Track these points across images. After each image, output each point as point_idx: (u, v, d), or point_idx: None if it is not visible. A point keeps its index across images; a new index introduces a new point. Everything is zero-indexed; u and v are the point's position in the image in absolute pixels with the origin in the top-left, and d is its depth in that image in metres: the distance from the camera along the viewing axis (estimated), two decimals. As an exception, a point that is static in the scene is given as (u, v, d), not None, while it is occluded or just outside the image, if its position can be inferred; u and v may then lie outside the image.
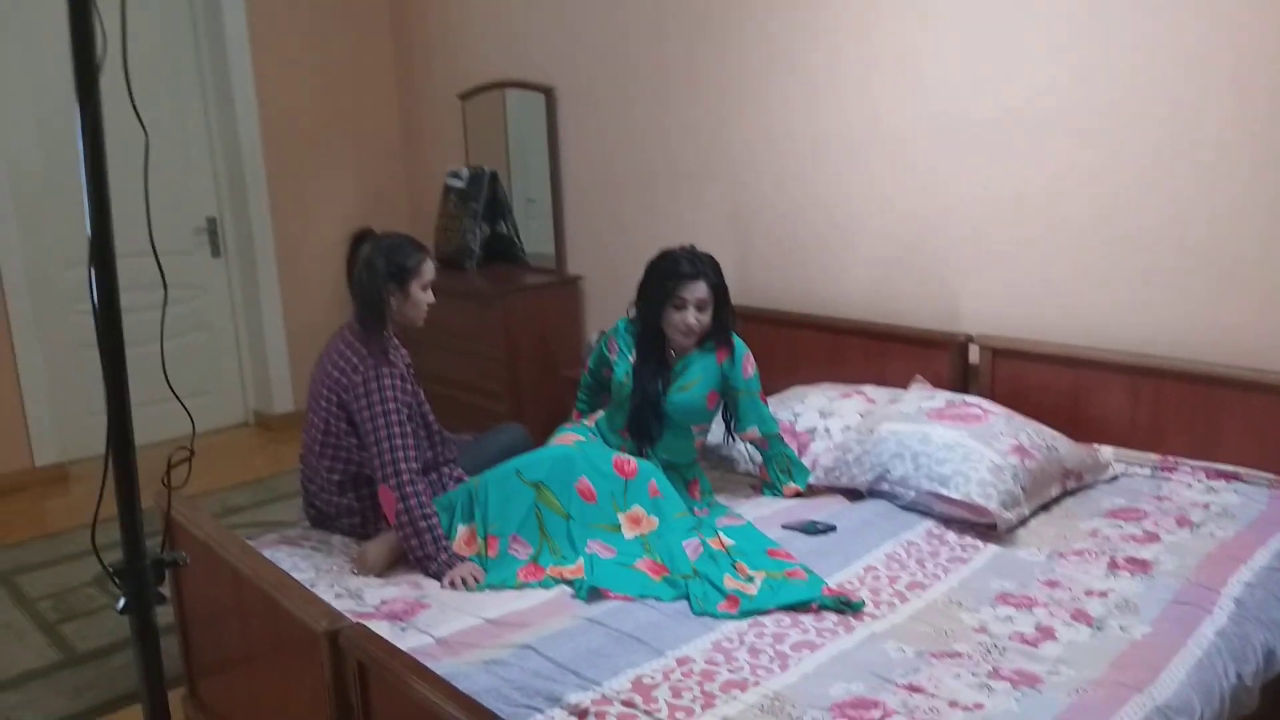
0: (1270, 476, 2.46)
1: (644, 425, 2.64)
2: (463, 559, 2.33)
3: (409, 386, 2.49)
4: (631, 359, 2.69)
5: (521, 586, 2.23)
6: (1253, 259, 2.51)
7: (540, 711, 1.71)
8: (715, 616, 2.04)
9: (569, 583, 2.22)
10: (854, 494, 2.65)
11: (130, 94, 1.29)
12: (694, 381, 2.65)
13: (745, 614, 2.04)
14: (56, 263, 4.38)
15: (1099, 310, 2.81)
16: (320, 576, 2.30)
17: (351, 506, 2.53)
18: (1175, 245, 2.64)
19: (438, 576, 2.28)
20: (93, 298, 1.32)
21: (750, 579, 2.15)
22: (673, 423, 2.66)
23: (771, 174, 3.55)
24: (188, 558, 1.54)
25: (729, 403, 2.71)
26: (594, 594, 2.14)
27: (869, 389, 3.04)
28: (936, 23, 3.01)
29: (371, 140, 5.18)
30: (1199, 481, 2.54)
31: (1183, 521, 2.35)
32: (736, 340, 2.68)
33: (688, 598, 2.11)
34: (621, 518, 2.41)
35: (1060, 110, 2.79)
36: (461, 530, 2.40)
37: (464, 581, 2.25)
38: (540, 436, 2.83)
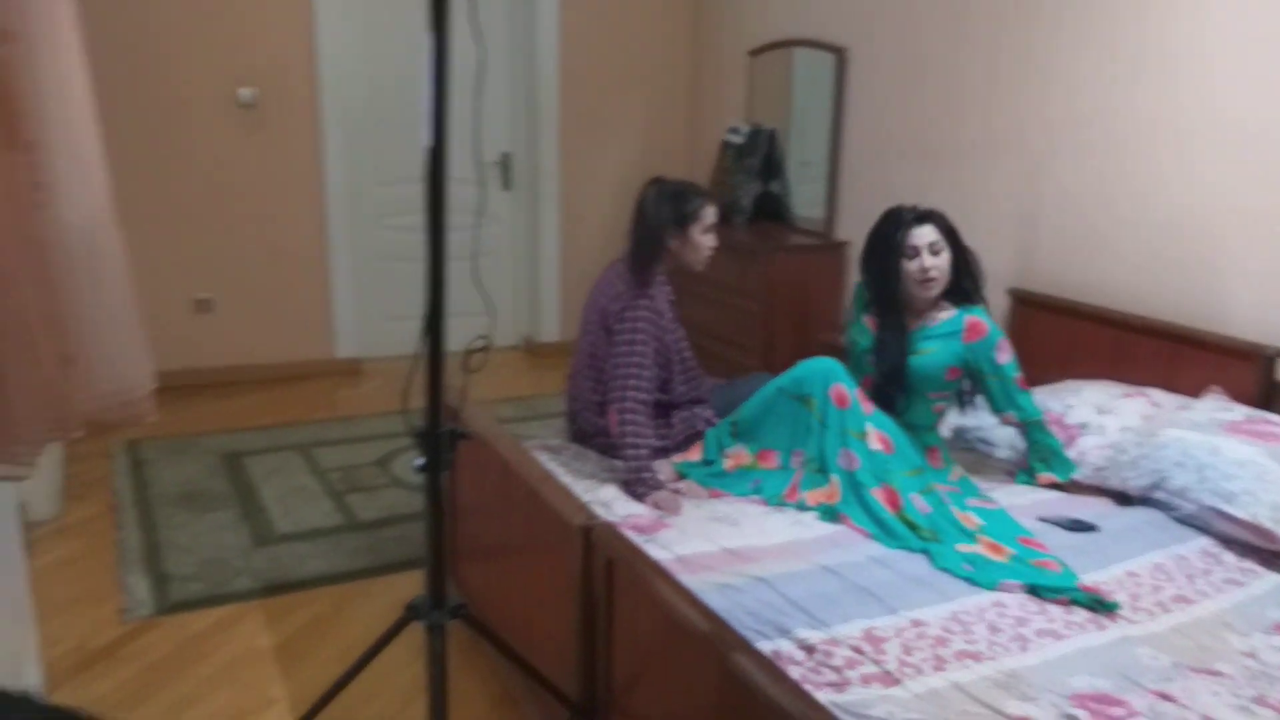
0: None
1: (888, 394, 2.59)
2: (669, 487, 2.41)
3: (664, 323, 2.60)
4: (866, 321, 2.66)
5: (782, 505, 2.37)
6: None
7: (769, 639, 1.76)
8: (956, 575, 2.03)
9: (816, 509, 2.34)
10: (1122, 498, 2.49)
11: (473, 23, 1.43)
12: (931, 349, 2.55)
13: (988, 580, 2.01)
14: (370, 181, 4.89)
15: None
16: (575, 483, 2.46)
17: (607, 429, 2.68)
18: None
19: (640, 498, 2.38)
20: (429, 186, 1.46)
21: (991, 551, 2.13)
22: (910, 388, 2.59)
23: (1071, 155, 3.34)
24: (476, 432, 1.72)
25: (977, 384, 2.60)
26: (835, 518, 2.29)
27: (1155, 392, 2.83)
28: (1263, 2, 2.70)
29: (660, 91, 5.36)
30: None
31: None
32: (991, 324, 2.55)
33: (926, 553, 2.12)
34: (868, 426, 2.43)
35: None
36: (731, 450, 2.53)
37: (663, 506, 2.33)
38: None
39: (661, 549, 2.13)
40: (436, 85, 1.49)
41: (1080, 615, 1.91)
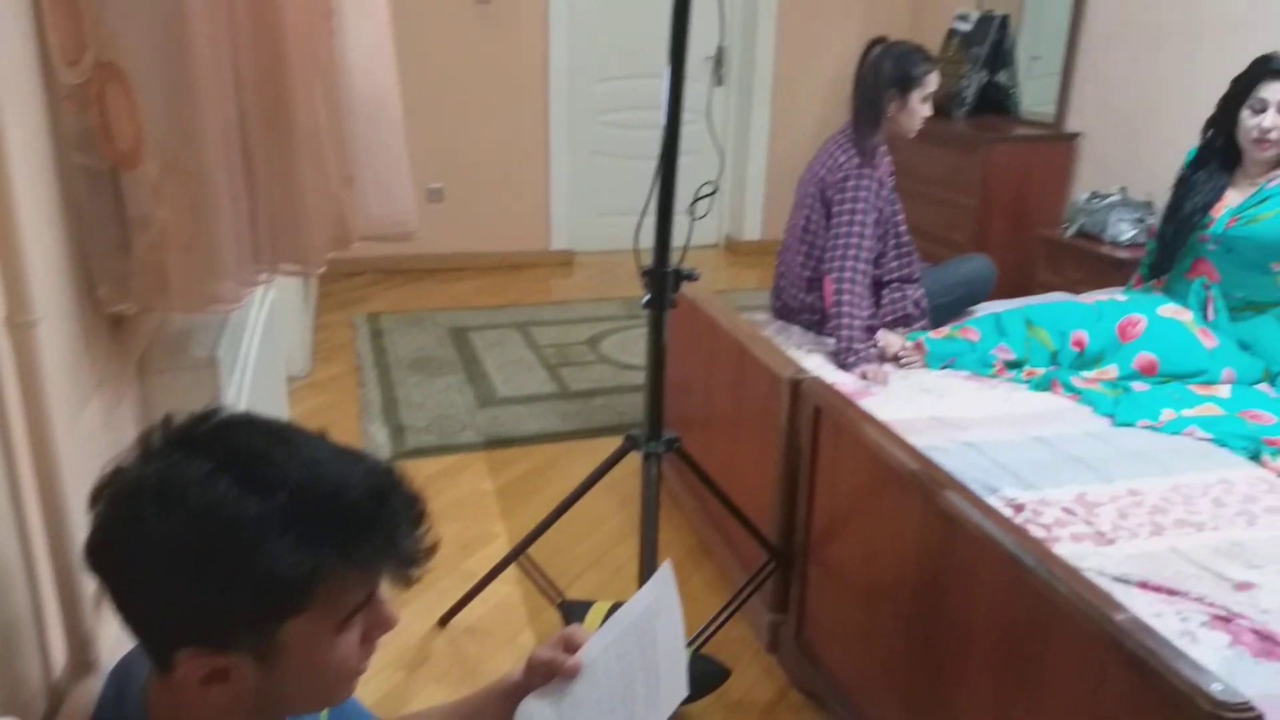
0: None
1: (1167, 249, 2.48)
2: (876, 360, 2.41)
3: (885, 194, 2.57)
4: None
5: (993, 376, 2.38)
6: None
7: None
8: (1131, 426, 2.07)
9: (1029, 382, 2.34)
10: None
11: None
12: (1272, 213, 2.32)
13: (1174, 428, 2.05)
14: (592, 77, 5.02)
15: None
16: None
17: (814, 305, 2.70)
18: None
19: (849, 369, 2.39)
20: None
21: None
22: (1245, 259, 2.38)
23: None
24: (699, 273, 1.80)
25: None
26: (1045, 384, 2.30)
27: None
28: None
29: (881, -21, 5.16)
30: None
31: None
32: None
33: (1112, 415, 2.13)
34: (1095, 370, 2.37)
35: None
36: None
37: (871, 377, 2.34)
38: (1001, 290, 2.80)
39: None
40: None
41: (1318, 500, 1.80)
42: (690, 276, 1.75)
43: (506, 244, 5.03)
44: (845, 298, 2.45)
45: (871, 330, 2.57)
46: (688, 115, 1.62)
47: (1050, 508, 1.73)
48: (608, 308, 4.36)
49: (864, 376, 2.37)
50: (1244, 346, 2.36)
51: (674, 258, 1.71)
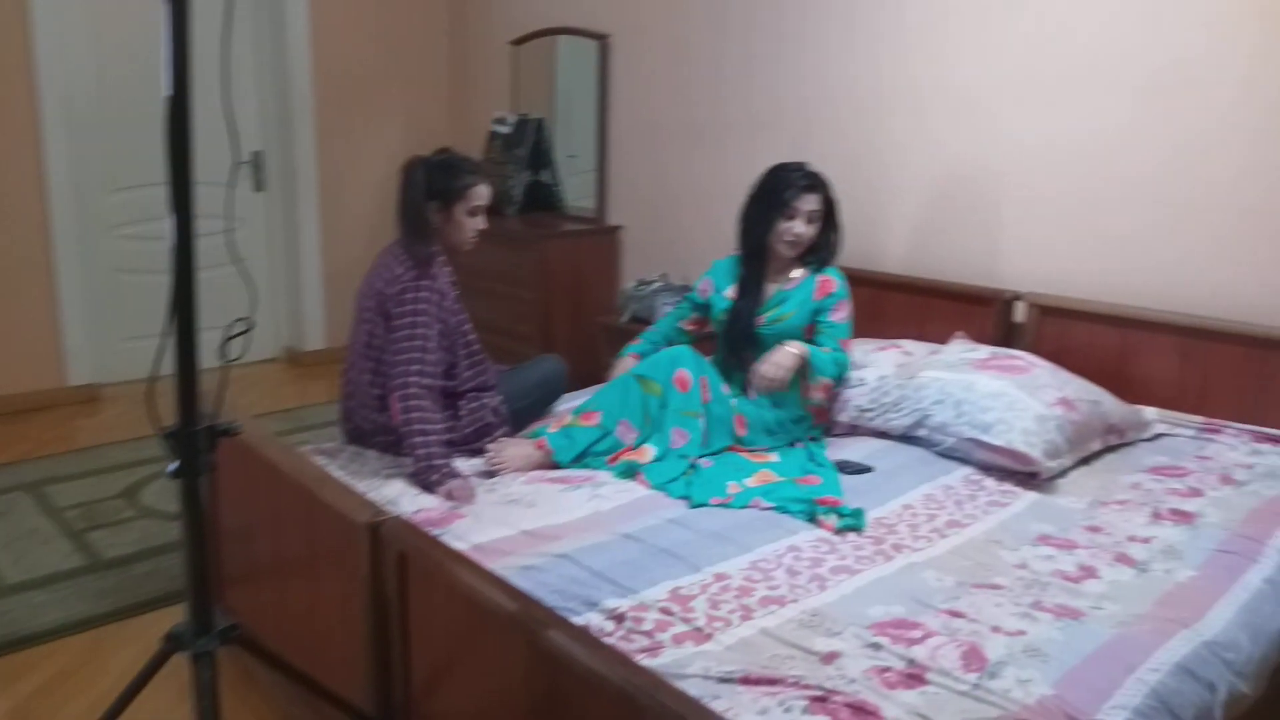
0: (1319, 441, 2.42)
1: (737, 353, 2.72)
2: (459, 475, 2.31)
3: (447, 304, 2.49)
4: (729, 293, 2.77)
5: (605, 468, 2.40)
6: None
7: (577, 615, 1.70)
8: (706, 504, 2.19)
9: (614, 468, 2.40)
10: (884, 439, 2.64)
11: None
12: (790, 314, 2.70)
13: (740, 502, 2.19)
14: (101, 188, 4.39)
15: (1150, 270, 2.77)
16: (355, 484, 2.29)
17: (388, 425, 2.52)
18: (1235, 207, 2.60)
19: (431, 489, 2.26)
20: (172, 190, 1.31)
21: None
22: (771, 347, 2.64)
23: (826, 127, 3.52)
24: (241, 426, 1.54)
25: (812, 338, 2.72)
26: (630, 473, 2.36)
27: (907, 343, 3.01)
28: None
29: (421, 82, 5.17)
30: (1244, 444, 2.50)
31: (1226, 480, 2.32)
32: (841, 283, 2.72)
33: (687, 498, 2.23)
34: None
35: (1125, 64, 2.75)
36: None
37: (457, 496, 2.22)
38: (576, 381, 2.86)
39: (456, 540, 2.01)
40: (176, 66, 1.32)
41: (868, 549, 1.98)
42: (229, 431, 1.48)
43: (9, 385, 4.18)
44: (415, 414, 2.30)
45: (452, 444, 2.44)
46: (228, 223, 1.39)
47: (649, 611, 1.71)
48: (147, 448, 3.76)
49: (450, 496, 2.23)
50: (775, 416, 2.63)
51: (210, 401, 1.44)
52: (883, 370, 2.82)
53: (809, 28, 3.49)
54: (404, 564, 1.70)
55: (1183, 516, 2.13)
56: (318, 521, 1.92)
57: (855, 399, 2.74)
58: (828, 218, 2.71)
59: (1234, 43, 2.55)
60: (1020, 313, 3.01)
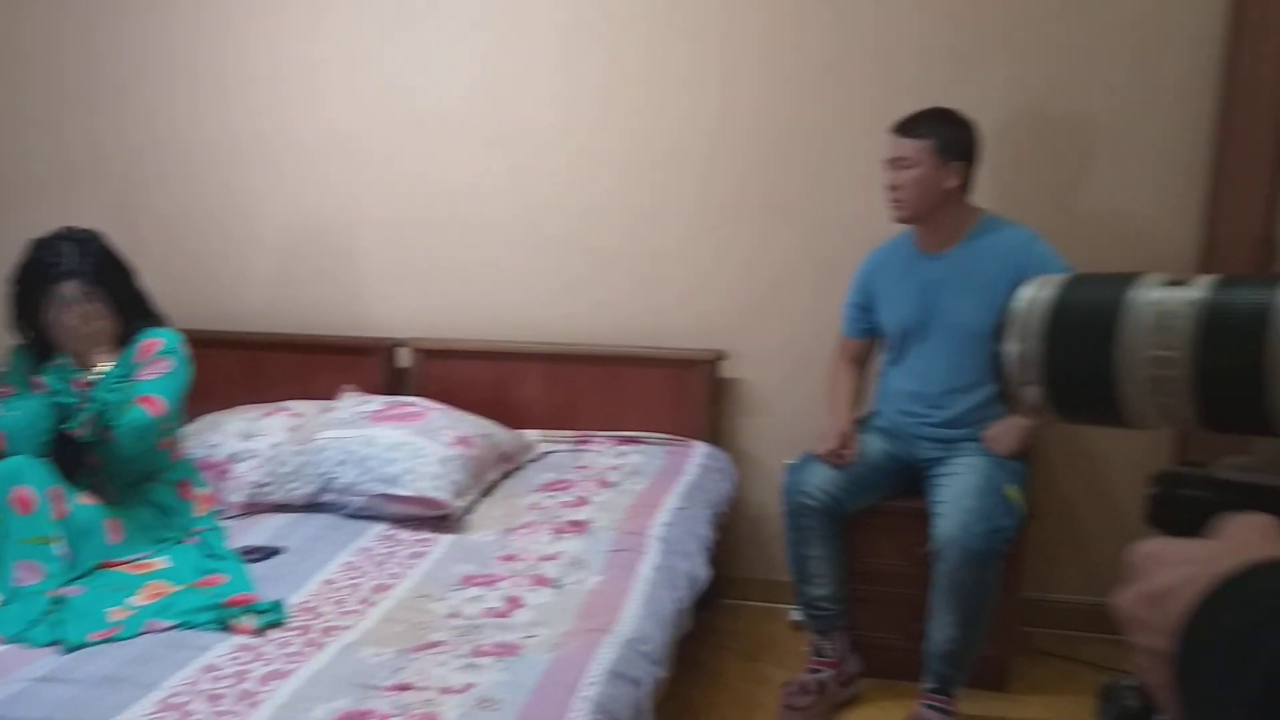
0: (663, 436, 2.86)
1: (72, 461, 2.18)
2: None
3: None
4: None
5: None
6: (637, 254, 2.91)
7: None
8: (87, 645, 1.79)
9: None
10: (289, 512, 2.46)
11: None
12: (113, 395, 2.19)
13: (131, 629, 1.84)
14: None
15: (519, 307, 3.01)
16: None
17: None
18: (583, 247, 2.95)
19: None
20: None
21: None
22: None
23: (161, 182, 3.16)
24: None
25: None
26: None
27: (294, 404, 2.84)
28: (334, 29, 2.98)
29: None
30: (610, 449, 2.85)
31: (604, 484, 2.62)
32: (168, 339, 2.30)
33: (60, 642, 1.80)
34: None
35: (476, 118, 2.94)
36: None
37: None
38: None
39: None
40: None
41: (297, 642, 1.81)
42: None
43: None
44: None
45: None
46: None
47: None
48: None
49: None
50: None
51: None
52: (274, 438, 2.61)
53: (131, 74, 3.11)
54: None
55: (578, 526, 2.34)
56: None
57: (247, 474, 2.50)
58: (117, 287, 2.26)
59: (574, 114, 2.89)
60: (405, 358, 3.05)
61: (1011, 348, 0.59)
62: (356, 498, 2.40)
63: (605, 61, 2.85)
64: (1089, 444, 2.74)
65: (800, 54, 2.73)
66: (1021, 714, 2.40)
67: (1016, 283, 2.06)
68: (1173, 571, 0.47)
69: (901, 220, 2.37)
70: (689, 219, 2.88)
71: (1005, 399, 0.60)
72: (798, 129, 2.76)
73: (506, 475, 2.71)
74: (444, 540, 2.30)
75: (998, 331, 0.60)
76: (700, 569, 2.24)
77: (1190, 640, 0.45)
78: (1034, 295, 0.60)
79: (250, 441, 2.60)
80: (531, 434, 2.89)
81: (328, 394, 2.90)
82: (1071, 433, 2.65)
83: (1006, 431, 2.29)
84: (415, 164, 3.01)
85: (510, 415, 2.92)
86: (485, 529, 2.37)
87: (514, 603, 1.97)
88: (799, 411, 2.81)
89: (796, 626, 2.67)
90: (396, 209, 3.04)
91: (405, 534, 2.34)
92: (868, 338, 2.56)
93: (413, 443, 2.44)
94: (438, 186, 3.00)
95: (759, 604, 2.92)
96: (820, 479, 2.36)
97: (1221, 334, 0.53)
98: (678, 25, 2.79)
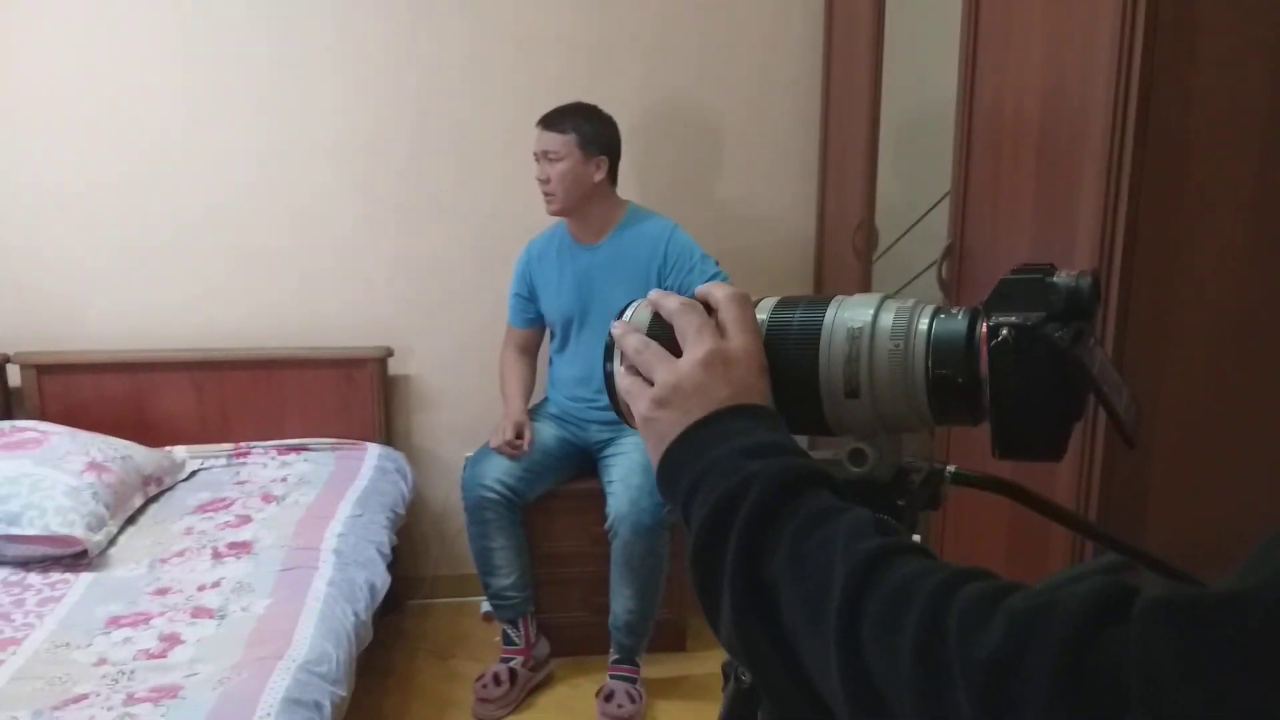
0: (332, 440, 2.73)
1: None
2: None
3: None
4: None
5: None
6: (290, 250, 2.74)
7: None
8: None
9: None
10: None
11: None
12: None
13: None
14: None
15: (153, 311, 2.72)
16: None
17: None
18: (219, 244, 2.72)
19: None
20: None
21: None
22: None
23: None
24: None
25: None
26: None
27: None
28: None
29: None
30: (272, 459, 2.68)
31: (268, 498, 2.45)
32: None
33: None
34: None
35: (78, 104, 2.60)
36: None
37: None
38: None
39: None
40: None
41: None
42: None
43: None
44: None
45: None
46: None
47: None
48: None
49: None
50: None
51: None
52: None
53: None
54: None
55: (242, 547, 2.18)
56: None
57: None
58: None
59: (206, 108, 2.64)
60: (15, 376, 2.65)
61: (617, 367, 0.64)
62: (-37, 544, 2.07)
63: (235, 53, 2.64)
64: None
65: (444, 45, 2.70)
66: (702, 669, 2.59)
67: (660, 271, 2.21)
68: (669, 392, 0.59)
69: (555, 213, 2.44)
70: (342, 215, 2.76)
71: (619, 415, 0.64)
72: (447, 122, 2.73)
73: (153, 500, 2.46)
74: (83, 579, 2.05)
75: (607, 351, 0.64)
76: (379, 576, 2.18)
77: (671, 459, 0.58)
78: (631, 314, 0.65)
79: None
80: (180, 451, 2.64)
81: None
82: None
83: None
84: (11, 155, 2.61)
85: (153, 432, 2.65)
86: (131, 562, 2.13)
87: (171, 640, 1.80)
88: (471, 403, 2.82)
89: (487, 618, 2.69)
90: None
91: (35, 577, 2.06)
92: (534, 327, 2.61)
93: (33, 474, 2.14)
94: (41, 180, 2.63)
95: (448, 600, 2.90)
96: (498, 470, 2.39)
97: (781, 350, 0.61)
98: (321, 19, 2.65)
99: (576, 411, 2.53)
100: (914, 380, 0.57)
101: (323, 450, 2.72)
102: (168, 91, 2.64)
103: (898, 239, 2.41)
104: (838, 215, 2.68)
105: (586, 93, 2.49)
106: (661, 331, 0.62)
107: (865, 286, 2.33)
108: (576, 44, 2.73)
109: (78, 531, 2.08)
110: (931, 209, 2.20)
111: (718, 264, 2.43)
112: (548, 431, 2.51)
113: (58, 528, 2.06)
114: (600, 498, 2.41)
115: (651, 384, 0.60)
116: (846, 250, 2.46)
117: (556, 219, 2.49)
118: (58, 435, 2.34)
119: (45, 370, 2.64)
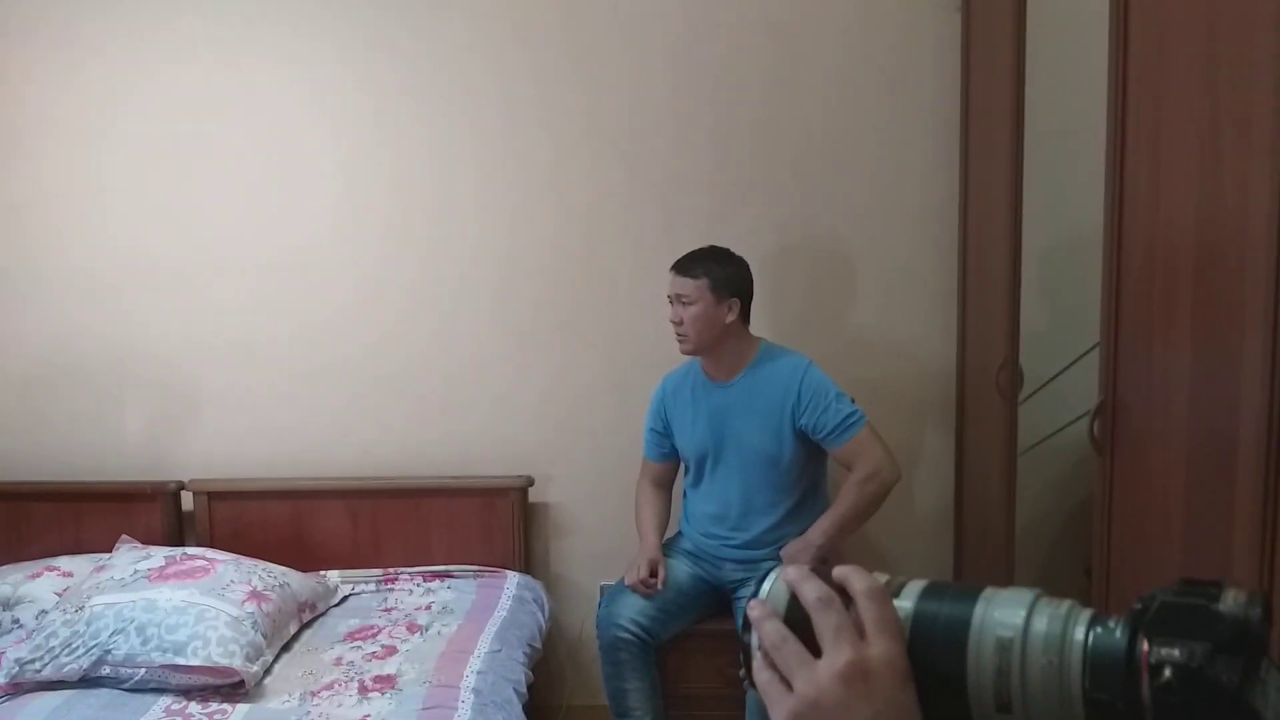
0: (474, 568, 2.81)
1: None
2: None
3: None
4: None
5: None
6: (440, 385, 2.88)
7: None
8: None
9: None
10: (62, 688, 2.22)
11: None
12: None
13: None
14: None
15: (310, 441, 2.90)
16: None
17: None
18: (371, 375, 2.88)
19: None
20: None
21: None
22: None
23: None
24: None
25: None
26: None
27: (63, 561, 2.61)
28: (105, 153, 2.83)
29: None
30: (418, 585, 2.77)
31: (413, 627, 2.53)
32: None
33: None
34: None
35: (252, 246, 2.84)
36: None
37: None
38: None
39: None
40: None
41: None
42: None
43: None
44: None
45: None
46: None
47: None
48: None
49: None
50: None
51: None
52: (41, 604, 2.39)
53: None
54: None
55: (386, 682, 2.24)
56: None
57: (11, 650, 2.25)
58: None
59: (356, 243, 2.86)
60: (188, 501, 2.86)
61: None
62: (137, 669, 2.20)
63: (388, 193, 2.85)
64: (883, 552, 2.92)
65: (588, 189, 2.82)
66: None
67: (795, 409, 2.18)
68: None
69: (688, 353, 2.48)
70: (484, 345, 2.89)
71: (754, 687, 0.64)
72: (587, 258, 2.84)
73: (307, 625, 2.57)
74: (239, 710, 2.14)
75: (745, 625, 0.64)
76: (516, 717, 2.19)
77: None
78: (769, 589, 0.65)
79: (16, 610, 2.36)
80: (333, 575, 2.77)
81: (104, 545, 2.68)
82: (864, 545, 2.81)
83: (802, 549, 2.41)
84: (187, 295, 2.87)
85: (309, 556, 2.79)
86: (284, 693, 2.22)
87: (318, 781, 1.86)
88: (609, 531, 2.85)
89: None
90: (166, 343, 2.89)
91: (194, 706, 2.16)
92: (669, 461, 2.63)
93: (199, 604, 2.27)
94: (212, 316, 2.88)
95: (579, 731, 2.90)
96: (633, 610, 2.39)
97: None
98: (466, 160, 2.83)
99: (711, 549, 2.51)
100: (1069, 700, 0.55)
101: (465, 578, 2.79)
102: (326, 231, 2.86)
103: (1044, 383, 2.32)
104: (979, 346, 2.61)
105: (720, 230, 2.55)
106: (798, 617, 0.62)
107: (1011, 431, 2.24)
108: (715, 184, 2.79)
109: (237, 663, 2.19)
110: (1080, 358, 2.11)
111: (853, 400, 2.40)
112: (682, 569, 2.50)
113: (219, 658, 2.18)
114: (734, 640, 2.37)
115: (789, 686, 0.59)
116: (989, 388, 2.38)
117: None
118: (222, 564, 2.49)
119: (215, 496, 2.84)
